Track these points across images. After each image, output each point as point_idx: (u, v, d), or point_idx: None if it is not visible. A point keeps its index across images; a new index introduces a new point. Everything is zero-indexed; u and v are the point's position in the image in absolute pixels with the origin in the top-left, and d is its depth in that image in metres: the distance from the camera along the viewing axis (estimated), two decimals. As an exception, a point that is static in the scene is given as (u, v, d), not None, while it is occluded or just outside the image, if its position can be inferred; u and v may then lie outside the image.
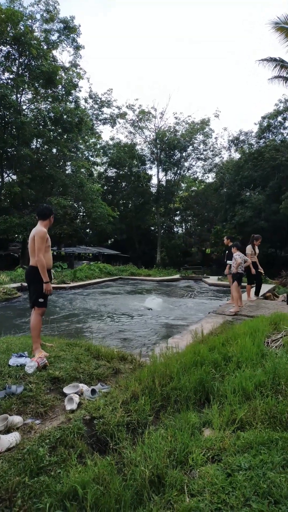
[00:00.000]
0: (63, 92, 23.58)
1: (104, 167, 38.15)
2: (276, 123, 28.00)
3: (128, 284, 17.84)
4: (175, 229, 42.38)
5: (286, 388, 3.11)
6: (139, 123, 35.23)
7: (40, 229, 4.09)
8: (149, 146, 36.28)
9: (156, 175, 36.46)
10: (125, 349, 5.47)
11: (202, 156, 36.34)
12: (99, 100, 31.88)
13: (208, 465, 2.23)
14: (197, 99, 64.61)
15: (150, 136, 35.87)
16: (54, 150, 25.22)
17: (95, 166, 36.74)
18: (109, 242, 41.71)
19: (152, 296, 13.25)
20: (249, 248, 9.03)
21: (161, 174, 37.01)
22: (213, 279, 18.49)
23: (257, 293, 9.54)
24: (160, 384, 3.37)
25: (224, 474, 2.08)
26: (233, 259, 7.99)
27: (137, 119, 35.01)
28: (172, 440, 2.53)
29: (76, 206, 28.15)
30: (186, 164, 37.31)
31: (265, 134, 28.64)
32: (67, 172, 26.64)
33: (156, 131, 34.76)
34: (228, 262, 8.58)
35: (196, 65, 69.20)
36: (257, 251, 9.19)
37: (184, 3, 75.99)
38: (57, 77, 21.88)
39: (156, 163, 35.91)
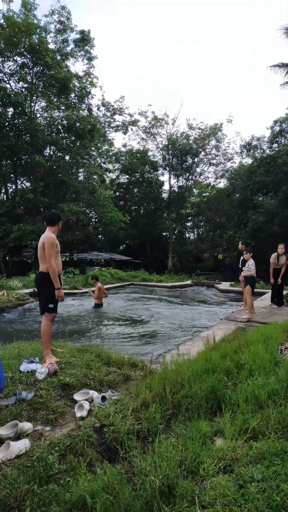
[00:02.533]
0: (76, 100, 23.95)
1: (116, 174, 38.43)
2: (288, 128, 27.84)
3: (139, 289, 17.81)
4: (187, 235, 42.29)
5: (300, 397, 3.04)
6: (151, 130, 35.44)
7: (49, 235, 4.11)
8: (161, 152, 36.43)
9: (168, 181, 36.56)
10: (136, 355, 5.44)
11: (214, 161, 36.31)
12: (112, 107, 32.25)
13: (220, 476, 2.17)
14: (210, 104, 64.85)
15: (162, 142, 36.03)
16: (67, 157, 25.57)
17: (107, 173, 37.05)
18: (121, 248, 41.84)
19: (163, 301, 13.20)
20: (272, 257, 9.02)
21: (173, 180, 37.11)
22: (225, 285, 18.31)
23: (272, 300, 9.39)
24: (171, 392, 3.32)
25: (236, 486, 2.03)
26: (246, 265, 7.96)
27: (149, 126, 35.23)
28: (183, 449, 2.48)
29: (88, 212, 28.39)
30: (198, 169, 37.31)
31: (277, 139, 28.43)
32: (79, 178, 26.93)
33: (168, 137, 34.87)
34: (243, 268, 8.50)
35: (208, 68, 69.49)
36: (281, 260, 8.99)
37: (185, 3, 76.62)
38: (71, 85, 22.25)
39: (168, 169, 35.98)
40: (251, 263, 7.93)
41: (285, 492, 1.89)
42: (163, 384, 3.41)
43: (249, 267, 7.88)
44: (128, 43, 71.96)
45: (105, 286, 16.34)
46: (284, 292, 12.17)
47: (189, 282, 20.78)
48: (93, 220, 33.65)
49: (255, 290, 8.75)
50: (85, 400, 3.20)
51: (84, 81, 25.11)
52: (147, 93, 61.46)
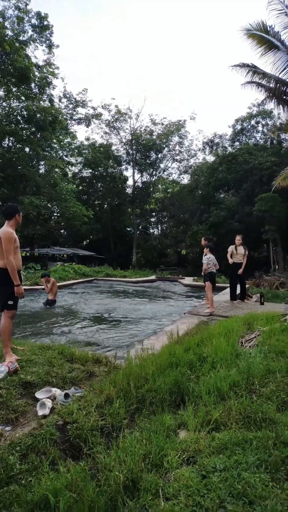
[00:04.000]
0: (37, 91, 23.13)
1: (79, 167, 37.73)
2: (249, 126, 28.68)
3: (103, 285, 17.69)
4: (151, 230, 42.53)
5: (259, 387, 3.15)
6: (115, 124, 35.12)
7: (6, 230, 3.93)
8: (124, 147, 36.26)
9: (132, 176, 36.53)
10: (100, 351, 5.39)
11: (177, 157, 36.73)
12: (74, 100, 31.49)
13: (183, 468, 2.21)
14: (172, 101, 65.38)
15: (125, 137, 35.87)
16: (27, 149, 24.69)
17: (69, 166, 36.27)
18: (84, 243, 41.26)
19: (128, 297, 13.21)
20: (230, 248, 9.14)
21: (137, 175, 37.12)
22: (188, 280, 18.66)
23: (232, 297, 9.38)
24: (135, 387, 3.32)
25: (199, 476, 2.07)
26: (203, 260, 8.18)
27: (112, 120, 34.88)
28: (147, 443, 2.49)
29: (49, 206, 27.67)
30: (162, 165, 37.57)
31: (238, 137, 29.28)
32: (40, 171, 26.14)
33: (132, 132, 34.76)
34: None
35: (172, 66, 69.95)
36: (240, 251, 9.11)
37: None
38: (31, 74, 21.42)
39: (131, 164, 35.90)
40: (207, 257, 8.15)
41: (246, 480, 1.95)
42: (127, 379, 3.40)
43: (205, 262, 8.11)
44: (92, 40, 70.64)
45: (68, 282, 16.06)
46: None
47: (153, 277, 20.96)
48: (55, 214, 32.85)
49: (217, 285, 8.96)
50: (48, 398, 3.12)
51: (44, 70, 24.29)
52: (122, 92, 60.91)
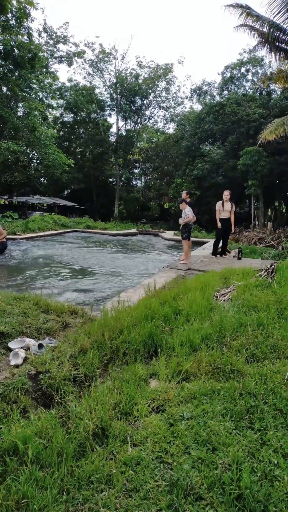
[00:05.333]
0: (14, 22, 20.84)
1: (60, 111, 35.41)
2: (239, 74, 27.23)
3: (83, 237, 17.50)
4: (134, 182, 41.53)
5: (230, 340, 3.24)
6: (99, 65, 32.57)
7: None
8: (108, 90, 33.99)
9: (116, 123, 34.68)
10: (77, 303, 5.40)
11: (164, 105, 34.93)
12: (54, 34, 28.66)
13: (152, 416, 2.28)
14: (161, 44, 60.85)
15: (110, 79, 33.48)
16: (5, 89, 22.80)
17: (50, 110, 34.01)
18: (65, 193, 40.07)
19: (107, 249, 13.15)
20: (218, 204, 8.96)
21: (121, 123, 35.30)
22: (169, 234, 18.68)
23: (214, 252, 9.28)
24: (110, 338, 3.35)
25: (167, 424, 2.14)
26: (183, 213, 8.10)
27: (96, 60, 32.28)
28: (118, 392, 2.55)
29: (28, 152, 26.30)
30: (147, 112, 35.75)
31: (227, 85, 27.86)
32: (18, 114, 24.44)
33: (117, 74, 32.43)
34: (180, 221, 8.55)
35: (160, 6, 64.17)
36: (227, 207, 8.90)
37: None
38: (7, 3, 19.14)
39: (116, 109, 33.96)
40: (187, 209, 8.08)
41: (211, 428, 2.03)
42: (102, 330, 3.42)
43: (187, 214, 8.04)
44: None
45: (47, 233, 15.78)
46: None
47: (134, 230, 20.85)
48: (34, 161, 31.36)
49: (197, 239, 8.97)
50: (21, 348, 3.11)
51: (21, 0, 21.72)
52: (107, 31, 55.65)
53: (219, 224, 8.89)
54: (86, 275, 8.33)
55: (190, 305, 4.15)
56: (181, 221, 8.28)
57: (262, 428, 2.03)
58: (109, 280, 7.71)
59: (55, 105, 33.97)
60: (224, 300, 4.59)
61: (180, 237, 10.59)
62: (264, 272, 5.21)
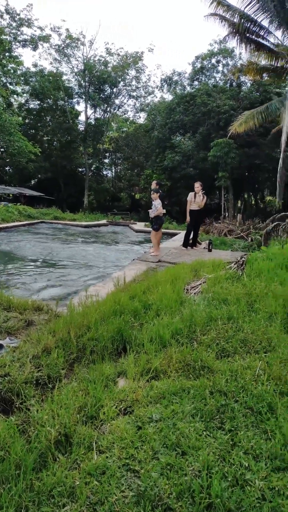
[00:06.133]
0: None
1: (26, 98, 33.94)
2: (209, 65, 27.22)
3: (50, 229, 17.00)
4: (104, 172, 40.84)
5: (201, 335, 3.17)
6: (66, 50, 31.38)
7: None
8: (76, 77, 32.91)
9: (84, 111, 33.74)
10: (42, 298, 5.17)
11: (134, 93, 34.36)
12: (18, 17, 27.22)
13: (119, 419, 2.16)
14: (131, 32, 59.72)
15: (77, 66, 32.40)
16: None
17: (14, 96, 32.56)
18: (32, 182, 38.72)
19: (76, 241, 12.84)
20: (190, 195, 8.89)
21: (90, 111, 34.40)
22: (140, 225, 18.55)
23: (185, 244, 9.26)
24: (76, 335, 3.20)
25: (135, 427, 2.03)
26: (153, 206, 7.99)
27: (63, 45, 31.07)
28: (84, 394, 2.41)
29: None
30: (117, 101, 35.05)
31: (198, 76, 27.79)
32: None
33: (85, 61, 31.44)
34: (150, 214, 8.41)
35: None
36: (198, 198, 8.82)
37: None
38: None
39: (84, 97, 33.00)
40: (157, 202, 7.97)
41: (180, 430, 1.94)
42: (68, 327, 3.25)
43: (156, 207, 7.93)
44: None
45: (12, 224, 15.19)
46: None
47: (104, 221, 20.53)
48: (-1, 150, 30.11)
49: (169, 230, 8.88)
50: (-21, 350, 2.89)
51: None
52: (74, 17, 53.42)
53: (188, 218, 8.87)
54: (54, 269, 8.06)
55: (160, 298, 4.05)
56: (151, 213, 8.16)
57: (233, 428, 1.97)
58: (78, 274, 7.49)
59: (19, 91, 32.57)
60: (195, 293, 4.53)
61: (150, 229, 10.50)
62: (234, 264, 5.21)
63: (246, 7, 13.36)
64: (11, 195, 29.03)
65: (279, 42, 13.90)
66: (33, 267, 8.22)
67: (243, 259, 5.32)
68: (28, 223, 16.97)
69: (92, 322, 3.41)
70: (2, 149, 28.36)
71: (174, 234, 13.57)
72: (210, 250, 8.67)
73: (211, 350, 2.90)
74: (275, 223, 10.39)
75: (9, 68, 29.03)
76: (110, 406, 2.26)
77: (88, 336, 3.21)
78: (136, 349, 3.09)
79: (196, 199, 8.75)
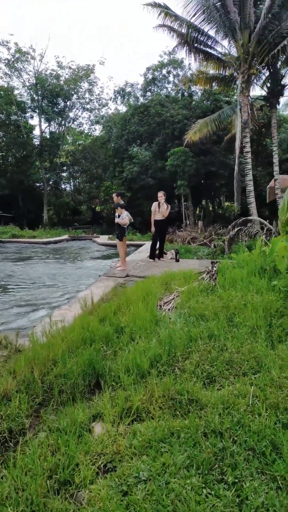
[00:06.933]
0: None
1: (-25, 113, 32.61)
2: (160, 76, 27.63)
3: (8, 248, 16.13)
4: (63, 186, 39.96)
5: (182, 360, 2.86)
6: (16, 64, 30.59)
7: None
8: (29, 91, 32.15)
9: (39, 125, 32.95)
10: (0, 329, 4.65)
11: (88, 106, 34.11)
12: None
13: (99, 481, 1.77)
14: (81, 45, 59.84)
15: (29, 80, 31.68)
16: None
17: None
18: (-12, 200, 37.07)
19: (36, 259, 12.19)
20: (154, 205, 8.66)
21: (44, 125, 33.65)
22: (103, 239, 18.13)
23: (152, 255, 8.97)
24: (41, 373, 2.77)
25: (119, 493, 1.66)
26: (121, 217, 7.67)
27: (13, 59, 30.28)
28: (54, 450, 2.01)
29: None
30: (71, 114, 34.57)
31: (150, 87, 28.08)
32: None
33: (36, 75, 30.82)
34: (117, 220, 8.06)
35: (79, 7, 63.13)
36: (162, 208, 8.63)
37: None
38: None
39: (38, 111, 32.26)
40: (124, 214, 7.66)
41: (176, 492, 1.59)
42: (31, 365, 2.82)
43: (123, 218, 7.62)
44: None
45: None
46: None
47: (65, 236, 19.89)
48: None
49: (132, 242, 8.58)
50: None
51: None
52: (24, 31, 52.50)
53: (153, 228, 8.64)
54: (12, 292, 7.42)
55: (134, 319, 3.71)
56: (119, 220, 7.76)
57: (236, 480, 1.65)
58: (41, 296, 6.92)
59: None
60: (169, 309, 4.24)
61: (115, 241, 10.16)
62: (206, 274, 4.99)
63: (192, 17, 13.62)
64: None
65: (226, 51, 14.30)
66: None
67: (215, 268, 5.12)
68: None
69: (59, 354, 3.00)
70: None
71: (139, 246, 13.31)
72: (177, 260, 8.47)
73: (196, 378, 2.59)
74: (237, 228, 10.45)
75: None
76: (86, 464, 1.87)
77: (55, 373, 2.80)
78: (111, 384, 2.72)
79: (160, 209, 8.55)
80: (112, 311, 4.10)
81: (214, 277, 4.83)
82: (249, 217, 11.49)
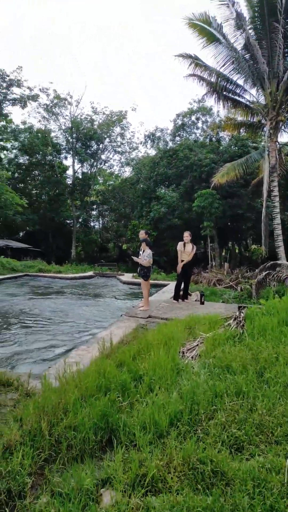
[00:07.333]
0: None
1: (15, 153, 34.91)
2: (189, 122, 28.77)
3: (34, 282, 16.30)
4: (92, 224, 41.15)
5: (206, 420, 2.54)
6: (54, 109, 33.01)
7: None
8: (64, 134, 34.31)
9: (72, 166, 34.73)
10: (13, 368, 4.46)
11: (119, 149, 35.81)
12: (7, 77, 28.76)
13: None
14: (114, 91, 64.04)
15: (65, 123, 33.93)
16: None
17: (4, 151, 33.49)
18: (21, 234, 38.50)
19: (59, 295, 12.17)
20: (179, 245, 8.54)
21: (77, 165, 35.45)
22: (128, 277, 18.04)
23: (176, 296, 8.65)
24: (50, 423, 2.53)
25: None
26: (143, 256, 7.53)
27: (51, 104, 32.74)
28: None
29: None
30: (103, 156, 36.34)
31: (179, 132, 29.21)
32: None
33: (72, 119, 33.00)
34: (137, 259, 7.88)
35: (116, 55, 68.41)
36: (188, 248, 8.43)
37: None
38: None
39: (71, 153, 34.15)
40: (147, 253, 7.53)
41: None
42: (39, 414, 2.59)
43: (145, 258, 7.47)
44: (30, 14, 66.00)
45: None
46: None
47: (91, 273, 19.98)
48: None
49: (156, 281, 8.38)
50: None
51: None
52: (62, 79, 57.38)
53: (179, 268, 8.41)
54: (31, 329, 7.28)
55: (154, 367, 3.44)
56: (140, 260, 7.65)
57: None
58: (59, 334, 6.75)
59: (9, 147, 33.58)
60: (192, 357, 3.93)
61: (139, 280, 10.01)
62: (233, 321, 4.68)
63: (222, 67, 14.26)
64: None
65: (254, 99, 14.69)
66: (7, 326, 7.42)
67: (242, 314, 4.80)
68: (11, 277, 16.27)
69: (70, 403, 2.77)
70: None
71: (163, 285, 13.07)
72: (202, 303, 8.15)
73: (221, 443, 2.27)
74: (265, 272, 10.07)
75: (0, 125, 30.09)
76: None
77: (65, 424, 2.55)
78: (125, 441, 2.43)
79: (185, 249, 8.40)
80: (131, 355, 3.85)
81: (241, 323, 4.51)
82: (278, 261, 11.09)
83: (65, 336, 6.49)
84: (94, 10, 63.43)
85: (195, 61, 15.01)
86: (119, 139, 35.19)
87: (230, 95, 15.07)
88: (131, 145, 35.88)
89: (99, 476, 2.14)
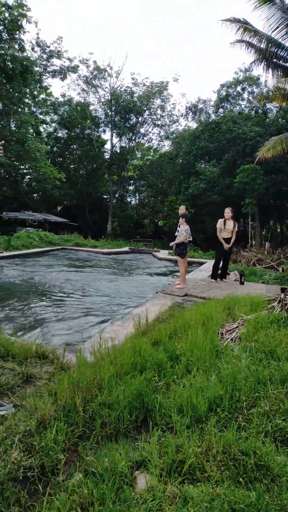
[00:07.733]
0: (6, 35, 20.54)
1: (54, 127, 35.06)
2: (234, 93, 27.20)
3: (70, 256, 16.59)
4: (128, 199, 41.02)
5: (247, 407, 2.37)
6: (93, 81, 32.47)
7: None
8: (103, 107, 33.86)
9: (110, 140, 34.42)
10: (49, 341, 4.50)
11: (158, 122, 34.83)
12: (48, 49, 28.43)
13: None
14: (156, 61, 61.75)
15: (104, 96, 33.38)
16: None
17: (43, 125, 33.76)
18: (58, 209, 39.34)
19: (95, 270, 12.28)
20: (219, 222, 8.19)
21: (115, 139, 35.05)
22: (164, 253, 17.89)
23: (214, 275, 8.42)
24: (84, 400, 2.48)
25: None
26: (180, 232, 7.28)
27: (91, 76, 32.19)
28: (87, 505, 1.67)
29: (19, 166, 25.62)
30: (142, 130, 35.61)
31: (223, 104, 27.77)
32: (12, 128, 23.92)
33: (112, 91, 32.34)
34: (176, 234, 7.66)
35: (156, 24, 65.52)
36: (229, 226, 8.10)
37: None
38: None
39: (110, 126, 33.71)
40: (185, 228, 7.26)
41: None
42: (73, 389, 2.54)
43: (181, 234, 7.22)
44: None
45: (32, 250, 14.92)
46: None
47: (126, 248, 20.03)
48: (27, 177, 30.79)
49: (194, 259, 8.14)
50: None
51: (15, 13, 21.52)
52: (101, 48, 56.01)
53: (225, 245, 8.07)
54: (68, 302, 7.34)
55: (191, 348, 3.29)
56: (172, 243, 7.49)
57: None
58: (95, 308, 6.77)
59: (48, 120, 33.77)
60: (232, 339, 3.74)
61: (175, 257, 9.81)
62: (278, 303, 4.39)
63: (273, 31, 13.07)
64: (36, 221, 29.35)
65: (309, 66, 13.44)
66: (44, 299, 7.53)
67: None
68: (48, 250, 16.66)
69: (105, 379, 2.69)
70: (29, 177, 28.99)
71: (200, 263, 12.79)
72: (242, 283, 7.84)
73: (265, 434, 2.10)
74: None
75: (40, 99, 30.16)
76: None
77: (99, 400, 2.48)
78: (161, 424, 2.32)
79: (226, 226, 8.02)
80: (167, 334, 3.72)
81: (286, 307, 4.22)
82: None
83: (100, 311, 6.50)
84: (94, 10, 60.94)
85: (244, 25, 13.88)
86: (159, 111, 34.23)
87: (281, 62, 13.87)
88: (171, 117, 34.80)
89: (134, 457, 2.05)
